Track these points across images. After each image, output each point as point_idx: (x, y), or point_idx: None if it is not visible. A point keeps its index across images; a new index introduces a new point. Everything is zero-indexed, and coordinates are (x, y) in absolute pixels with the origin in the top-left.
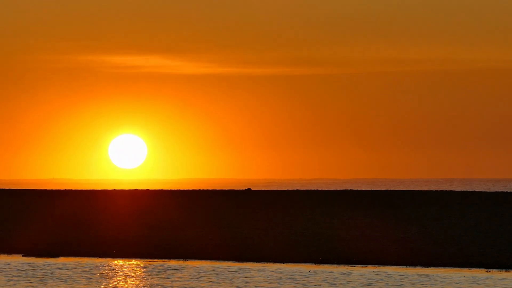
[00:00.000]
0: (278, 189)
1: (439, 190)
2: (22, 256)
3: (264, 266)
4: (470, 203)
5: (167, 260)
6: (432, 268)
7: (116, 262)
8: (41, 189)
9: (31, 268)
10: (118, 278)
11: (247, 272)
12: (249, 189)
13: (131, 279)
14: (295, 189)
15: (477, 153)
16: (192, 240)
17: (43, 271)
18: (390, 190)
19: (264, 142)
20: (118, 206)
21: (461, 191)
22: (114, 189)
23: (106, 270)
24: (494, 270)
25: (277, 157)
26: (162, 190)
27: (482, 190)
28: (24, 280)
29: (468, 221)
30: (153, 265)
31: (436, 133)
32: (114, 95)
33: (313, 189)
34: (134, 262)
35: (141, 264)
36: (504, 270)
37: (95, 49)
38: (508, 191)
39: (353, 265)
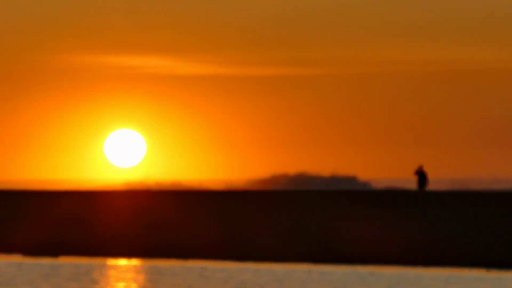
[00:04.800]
0: (278, 189)
1: (439, 190)
2: (22, 256)
3: (264, 266)
4: (470, 203)
5: (167, 260)
6: (432, 268)
7: (116, 262)
8: (39, 189)
9: (30, 267)
10: (118, 278)
11: (247, 272)
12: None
13: (131, 279)
14: (296, 189)
15: (477, 152)
16: (192, 240)
17: (42, 270)
18: (390, 190)
19: (265, 142)
20: (118, 206)
21: (461, 191)
22: (114, 190)
23: (106, 270)
24: (494, 270)
25: (277, 157)
26: (161, 190)
27: (482, 190)
28: (23, 280)
29: (468, 221)
30: (153, 265)
31: (435, 133)
32: (113, 95)
33: (313, 189)
34: (134, 262)
35: (141, 264)
36: (504, 270)
37: (93, 49)
38: (508, 191)
39: (353, 265)
